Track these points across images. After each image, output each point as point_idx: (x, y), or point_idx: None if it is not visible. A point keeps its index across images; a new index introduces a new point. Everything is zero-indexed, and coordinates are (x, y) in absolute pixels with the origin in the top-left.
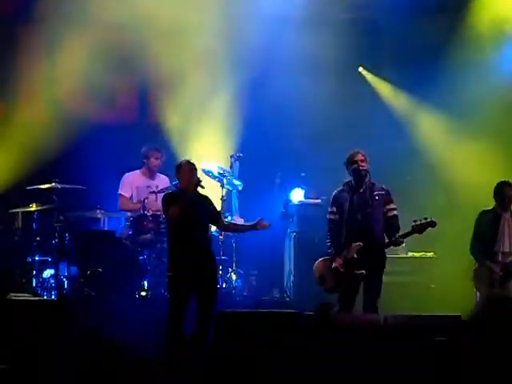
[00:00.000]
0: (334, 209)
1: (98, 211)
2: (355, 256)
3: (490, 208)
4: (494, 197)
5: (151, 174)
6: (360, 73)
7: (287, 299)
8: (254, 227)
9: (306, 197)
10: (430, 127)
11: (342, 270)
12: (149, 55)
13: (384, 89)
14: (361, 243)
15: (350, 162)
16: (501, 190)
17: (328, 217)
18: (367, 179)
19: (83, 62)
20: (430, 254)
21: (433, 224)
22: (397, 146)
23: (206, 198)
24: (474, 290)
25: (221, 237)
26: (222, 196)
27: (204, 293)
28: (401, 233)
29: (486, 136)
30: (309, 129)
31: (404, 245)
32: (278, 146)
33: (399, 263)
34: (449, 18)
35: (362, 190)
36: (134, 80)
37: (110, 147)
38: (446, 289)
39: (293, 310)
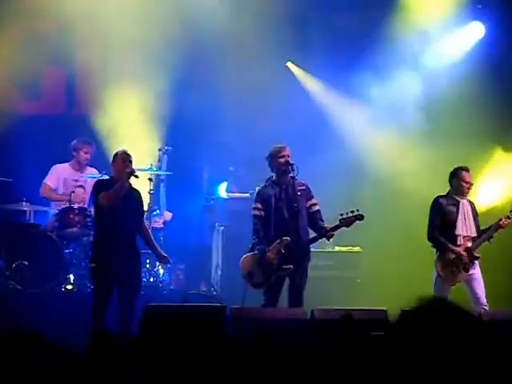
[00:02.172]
0: (259, 205)
1: (23, 204)
2: (283, 251)
3: (445, 194)
4: (450, 182)
5: (80, 167)
6: (288, 67)
7: (214, 293)
8: (158, 257)
9: (228, 191)
10: (355, 121)
11: (275, 261)
12: (77, 46)
13: (312, 84)
14: (288, 238)
15: (276, 156)
16: (458, 175)
17: (253, 213)
18: (290, 175)
19: (8, 52)
20: (356, 249)
21: (360, 217)
22: (321, 141)
23: (137, 192)
24: (434, 276)
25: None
26: (150, 189)
27: (126, 285)
28: (328, 226)
29: (413, 130)
30: (236, 121)
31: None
32: (206, 139)
33: (325, 257)
34: (378, 13)
35: (284, 186)
36: (60, 71)
37: (37, 139)
38: (371, 283)
39: (220, 304)
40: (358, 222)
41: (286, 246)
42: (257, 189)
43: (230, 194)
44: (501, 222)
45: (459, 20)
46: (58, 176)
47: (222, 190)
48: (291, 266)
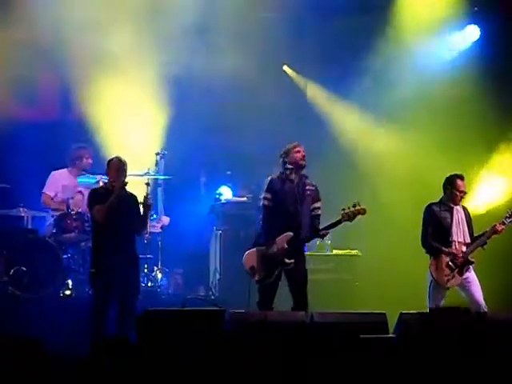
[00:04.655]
0: (269, 195)
1: (21, 209)
2: (286, 246)
3: (438, 200)
4: (444, 189)
5: (79, 173)
6: (284, 71)
7: (213, 297)
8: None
9: (235, 195)
10: (351, 125)
11: (279, 255)
12: (71, 50)
13: (307, 87)
14: (291, 233)
15: (293, 150)
16: (453, 183)
17: (262, 202)
18: (302, 172)
19: (4, 57)
20: (354, 252)
21: (363, 211)
22: (320, 144)
23: (134, 197)
24: (429, 283)
25: (146, 235)
26: (147, 194)
27: (125, 290)
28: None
29: (410, 133)
30: (234, 126)
31: (329, 242)
32: (203, 144)
33: (324, 261)
34: (372, 17)
35: (296, 182)
36: (55, 76)
37: (34, 145)
38: (370, 286)
39: (218, 308)
40: (360, 216)
41: (289, 241)
42: (269, 178)
43: (230, 198)
44: (496, 228)
45: (456, 22)
46: (57, 183)
47: (228, 194)
48: (293, 261)
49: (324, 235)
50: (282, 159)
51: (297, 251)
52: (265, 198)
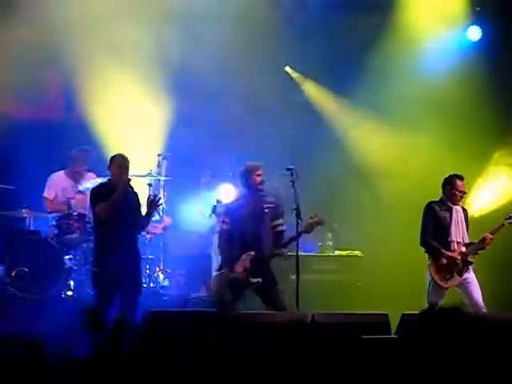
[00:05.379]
0: (227, 219)
1: (23, 210)
2: (248, 266)
3: (438, 200)
4: (443, 189)
5: (77, 175)
6: (286, 71)
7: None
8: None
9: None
10: (354, 124)
11: (243, 277)
12: (74, 52)
13: (310, 88)
14: (252, 252)
15: (254, 173)
16: (452, 183)
17: (220, 227)
18: (261, 192)
19: (6, 58)
20: (356, 253)
21: (321, 222)
22: (322, 144)
23: (136, 195)
24: (428, 282)
25: (148, 236)
26: (149, 195)
27: (128, 290)
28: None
29: (413, 134)
30: (235, 128)
31: (331, 243)
32: (205, 145)
33: (326, 262)
34: (376, 17)
35: (253, 203)
36: (59, 77)
37: (36, 146)
38: (372, 287)
39: (220, 309)
40: (319, 226)
41: (252, 261)
42: (227, 204)
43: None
44: (486, 239)
45: (459, 22)
46: (56, 186)
47: (223, 195)
48: (260, 280)
49: (282, 253)
50: (241, 177)
51: (261, 270)
52: (223, 222)
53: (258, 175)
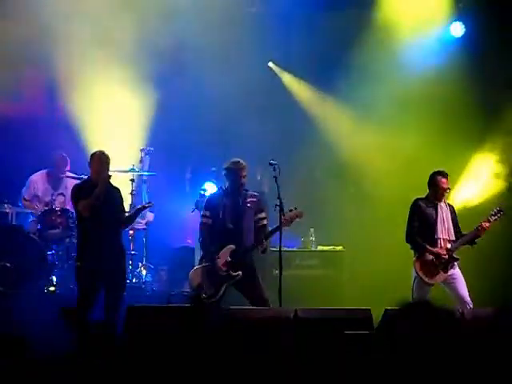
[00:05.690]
0: (208, 213)
1: (5, 206)
2: (229, 259)
3: (424, 196)
4: (428, 186)
5: (57, 177)
6: (270, 67)
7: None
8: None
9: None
10: (337, 121)
11: (224, 270)
12: (56, 47)
13: (293, 84)
14: (233, 246)
15: (239, 172)
16: (436, 181)
17: (201, 220)
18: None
19: None
20: (339, 248)
21: (300, 214)
22: (306, 140)
23: (118, 191)
24: (413, 279)
25: (131, 231)
26: (132, 190)
27: (111, 284)
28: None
29: (396, 129)
30: (219, 123)
31: (313, 238)
32: (188, 140)
33: (309, 257)
34: (357, 13)
35: (235, 198)
36: (40, 73)
37: (18, 141)
38: (355, 282)
39: (203, 304)
40: (298, 219)
41: (232, 254)
42: (207, 196)
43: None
44: (481, 226)
45: (442, 19)
46: (35, 187)
47: (212, 190)
48: (240, 273)
49: (263, 246)
50: (225, 176)
51: (242, 263)
52: (203, 216)
53: (244, 176)
